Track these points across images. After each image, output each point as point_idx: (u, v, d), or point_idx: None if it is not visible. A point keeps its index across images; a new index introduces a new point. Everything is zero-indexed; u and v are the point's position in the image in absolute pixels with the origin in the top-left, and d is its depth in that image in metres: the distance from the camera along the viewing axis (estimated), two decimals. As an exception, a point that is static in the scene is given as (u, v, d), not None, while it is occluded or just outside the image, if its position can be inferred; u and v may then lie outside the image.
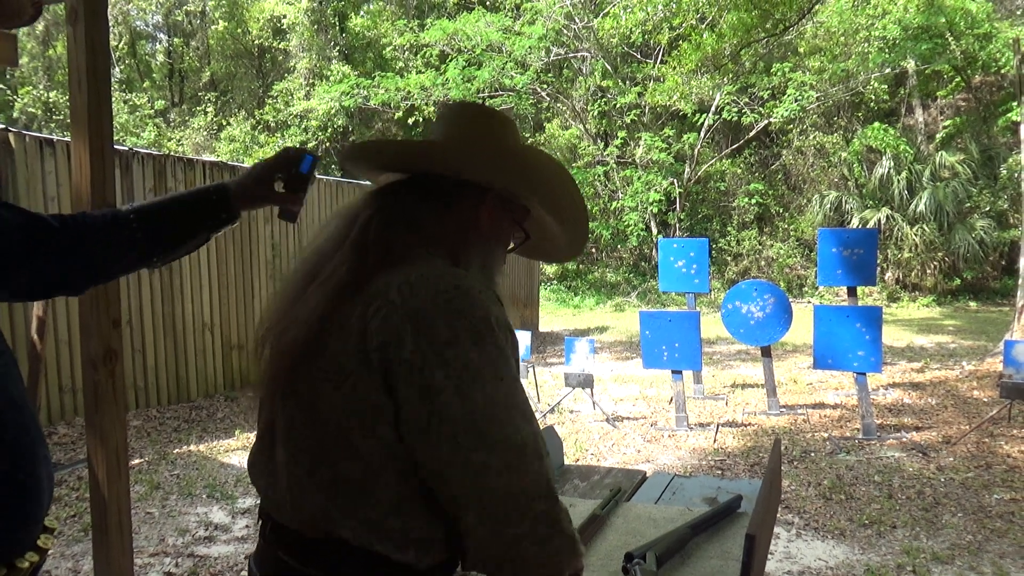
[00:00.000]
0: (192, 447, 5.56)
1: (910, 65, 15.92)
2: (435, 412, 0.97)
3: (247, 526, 4.04)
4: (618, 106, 17.58)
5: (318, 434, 1.05)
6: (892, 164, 15.85)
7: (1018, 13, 15.77)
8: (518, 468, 0.97)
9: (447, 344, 0.99)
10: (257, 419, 1.20)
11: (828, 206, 16.33)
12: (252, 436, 5.82)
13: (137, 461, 5.17)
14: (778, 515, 4.04)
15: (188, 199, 1.41)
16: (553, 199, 1.24)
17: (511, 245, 1.29)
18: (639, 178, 17.11)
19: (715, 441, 5.65)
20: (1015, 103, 13.41)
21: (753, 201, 17.59)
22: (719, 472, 4.94)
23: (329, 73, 17.65)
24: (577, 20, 17.01)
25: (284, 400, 1.10)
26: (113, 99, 2.89)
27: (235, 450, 5.52)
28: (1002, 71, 14.83)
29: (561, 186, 1.24)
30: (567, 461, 2.64)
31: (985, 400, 6.67)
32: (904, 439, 5.54)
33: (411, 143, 1.20)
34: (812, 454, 5.25)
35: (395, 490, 1.03)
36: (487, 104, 1.24)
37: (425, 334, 0.99)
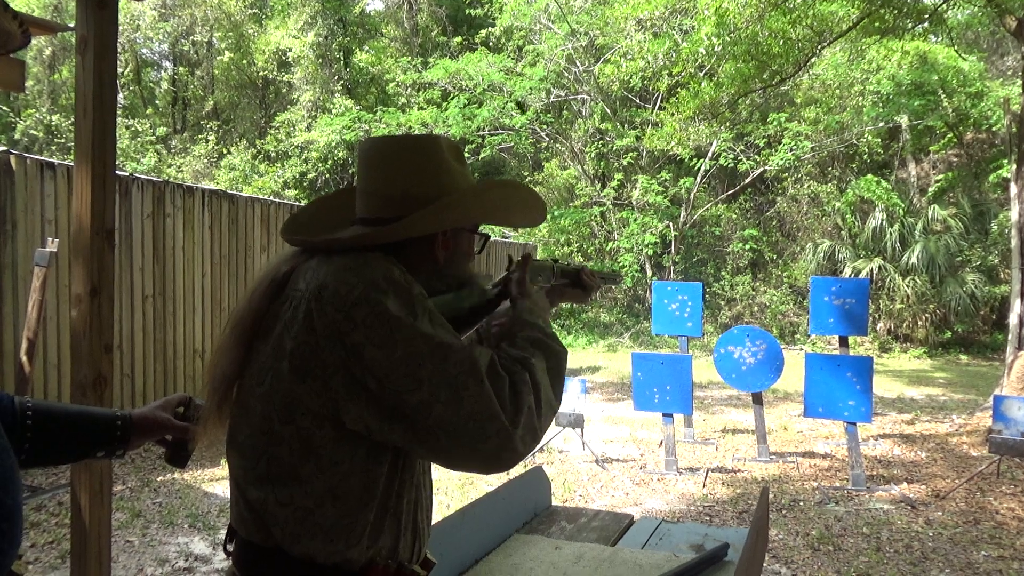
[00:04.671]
0: (176, 475, 5.49)
1: (903, 120, 16.21)
2: (365, 369, 1.04)
3: (228, 558, 3.97)
4: (616, 149, 17.79)
5: (253, 432, 1.12)
6: (885, 216, 16.03)
7: (1009, 73, 16.14)
8: (457, 397, 1.04)
9: (354, 304, 1.05)
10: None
11: (821, 254, 16.46)
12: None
13: (119, 488, 5.10)
14: (765, 565, 4.00)
15: (88, 421, 1.28)
16: (501, 211, 1.31)
17: (477, 250, 1.33)
18: (635, 220, 17.25)
19: (704, 486, 5.62)
20: (1005, 160, 13.65)
21: (747, 247, 17.73)
22: (707, 518, 4.90)
23: (332, 106, 17.85)
24: (578, 64, 17.31)
25: (232, 410, 1.19)
26: (117, 125, 2.92)
27: (219, 479, 5.45)
28: (993, 129, 15.14)
29: (504, 197, 1.30)
30: (555, 502, 2.62)
31: (974, 455, 6.66)
32: (893, 491, 5.52)
33: (354, 238, 1.18)
34: (801, 503, 5.22)
35: (324, 478, 1.08)
36: (409, 134, 1.25)
37: (331, 302, 1.06)
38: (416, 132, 16.11)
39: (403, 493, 1.14)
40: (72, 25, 2.43)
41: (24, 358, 4.78)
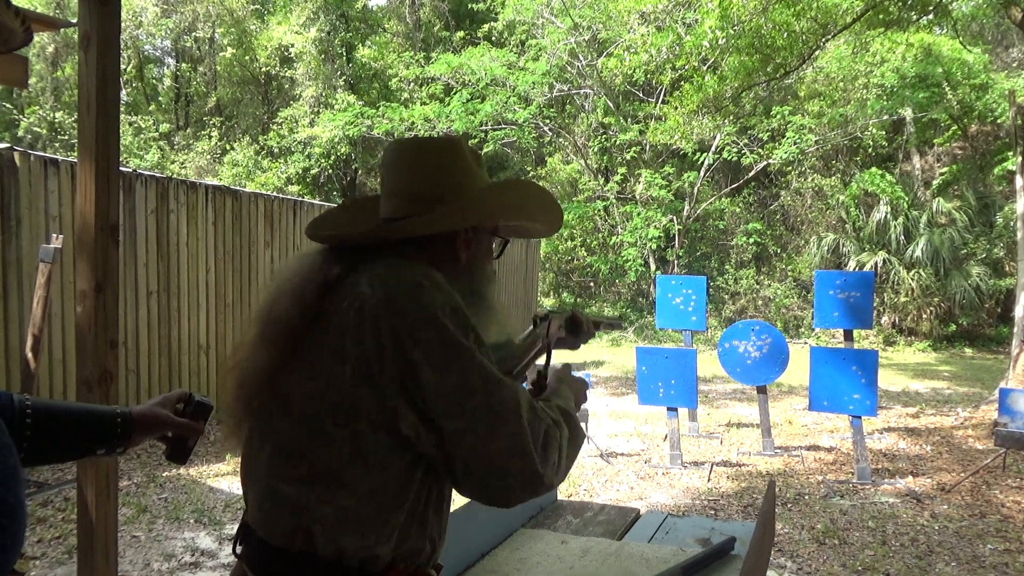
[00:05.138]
0: (182, 471, 5.51)
1: (908, 113, 16.15)
2: (417, 387, 1.07)
3: (236, 557, 3.98)
4: (619, 143, 17.75)
5: (295, 430, 1.12)
6: (889, 209, 15.98)
7: (1014, 65, 16.06)
8: (492, 432, 1.07)
9: (423, 325, 1.08)
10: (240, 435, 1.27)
11: (825, 248, 16.42)
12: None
13: (125, 483, 5.12)
14: (771, 558, 4.00)
15: (89, 418, 1.27)
16: (518, 210, 1.33)
17: (496, 253, 1.38)
18: (639, 214, 17.22)
19: (709, 480, 5.62)
20: (1011, 153, 13.59)
21: (751, 240, 17.69)
22: (712, 512, 4.90)
23: (334, 102, 17.83)
24: (581, 58, 17.26)
25: (264, 406, 1.19)
26: (120, 121, 2.92)
27: (225, 475, 5.46)
28: (998, 121, 15.06)
29: (521, 197, 1.33)
30: (560, 496, 2.61)
31: (980, 448, 6.65)
32: (899, 485, 5.51)
33: (377, 231, 1.24)
34: (806, 497, 5.22)
35: (369, 479, 1.09)
36: (431, 136, 1.28)
37: (399, 315, 1.08)
38: (420, 127, 16.11)
39: (430, 502, 1.16)
40: (75, 21, 2.42)
41: (29, 354, 4.79)
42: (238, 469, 5.00)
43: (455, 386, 1.07)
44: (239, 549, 1.23)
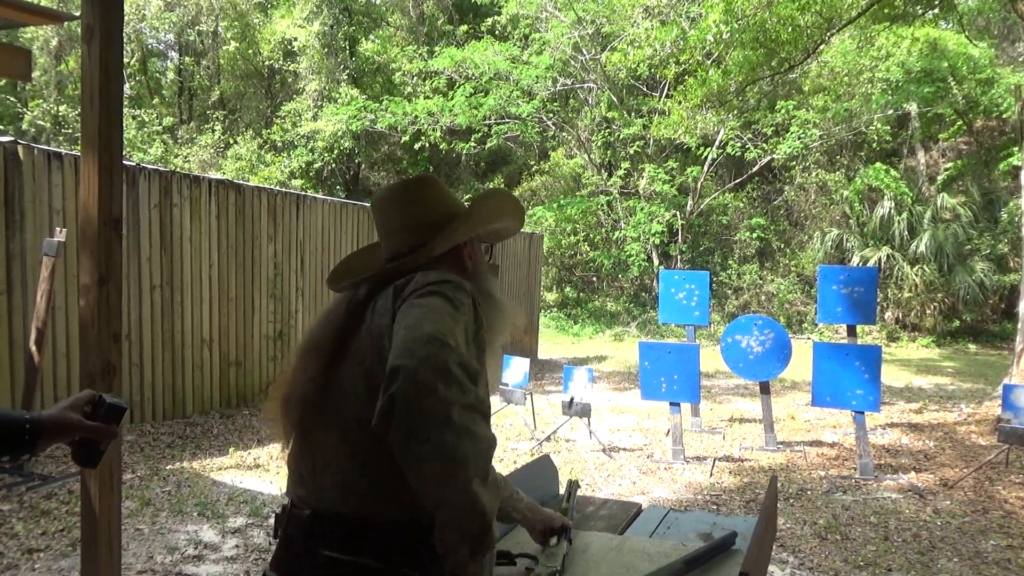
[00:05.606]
0: (185, 464, 5.53)
1: (912, 107, 16.08)
2: (409, 321, 1.18)
3: (237, 545, 4.00)
4: (622, 137, 17.72)
5: (354, 409, 1.27)
6: (893, 204, 15.94)
7: (1020, 60, 15.97)
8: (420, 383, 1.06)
9: (427, 293, 1.24)
10: (286, 425, 1.42)
11: (829, 243, 16.39)
12: (245, 454, 5.80)
13: (129, 476, 5.14)
14: (773, 554, 4.01)
15: None
16: (500, 212, 1.55)
17: (488, 259, 1.60)
18: (642, 209, 17.19)
19: (711, 475, 5.62)
20: (1016, 148, 13.54)
21: (755, 236, 17.66)
22: (714, 507, 4.91)
23: (337, 96, 17.81)
24: (584, 52, 17.21)
25: (324, 396, 1.34)
26: (123, 115, 2.92)
27: (228, 468, 5.48)
28: (1003, 116, 14.99)
29: (498, 201, 1.55)
30: (562, 491, 2.62)
31: (983, 444, 6.64)
32: (901, 480, 5.51)
33: (403, 264, 1.41)
34: (808, 492, 5.22)
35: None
36: (408, 178, 1.38)
37: (409, 295, 1.25)
38: (423, 122, 16.08)
39: None
40: (78, 15, 2.42)
41: (33, 348, 4.81)
42: (241, 463, 4.98)
43: (412, 324, 1.15)
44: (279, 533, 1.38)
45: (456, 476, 1.04)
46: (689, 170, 17.46)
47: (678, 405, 6.04)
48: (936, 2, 8.81)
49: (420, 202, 1.48)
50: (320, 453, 1.33)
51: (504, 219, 1.57)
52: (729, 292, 17.62)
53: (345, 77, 18.82)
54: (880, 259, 15.62)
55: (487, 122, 16.61)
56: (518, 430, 6.96)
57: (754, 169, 17.75)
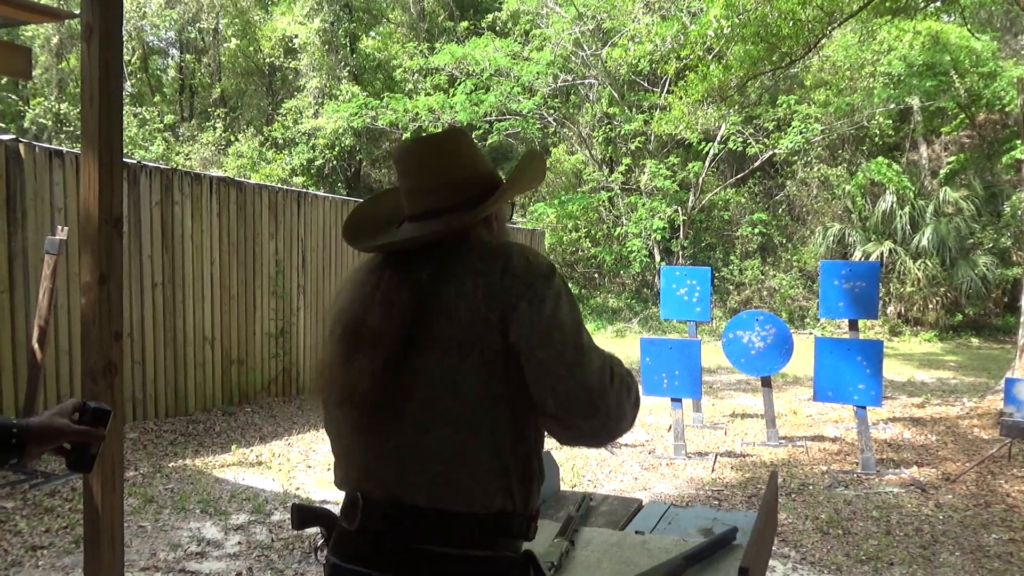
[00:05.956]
0: (188, 461, 5.54)
1: (915, 101, 16.03)
2: (551, 319, 1.23)
3: (239, 542, 4.01)
4: (624, 133, 17.69)
5: (463, 403, 1.24)
6: (895, 198, 15.90)
7: (1022, 53, 15.92)
8: (586, 365, 1.23)
9: (543, 280, 1.25)
10: (330, 424, 1.39)
11: (831, 238, 16.36)
12: (248, 451, 5.81)
13: (132, 474, 5.15)
14: (774, 548, 4.01)
15: None
16: (538, 181, 1.55)
17: (509, 216, 1.57)
18: (643, 205, 17.17)
19: (713, 471, 5.62)
20: (1019, 141, 13.50)
21: (756, 231, 17.63)
22: (716, 503, 4.91)
23: (338, 93, 17.80)
24: (585, 48, 17.18)
25: (396, 392, 1.27)
26: (123, 113, 2.93)
27: (230, 465, 5.49)
28: (1006, 109, 14.94)
29: (539, 170, 1.52)
30: (563, 487, 2.62)
31: (985, 438, 6.64)
32: (903, 475, 5.51)
33: (452, 226, 1.35)
34: (810, 487, 5.22)
35: (500, 434, 1.26)
36: (440, 131, 1.36)
37: (523, 279, 1.25)
38: (424, 118, 16.06)
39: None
40: (77, 13, 2.42)
41: (36, 346, 4.82)
42: (243, 460, 4.98)
43: (569, 324, 1.25)
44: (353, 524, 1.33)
45: (624, 414, 1.33)
46: (690, 166, 17.43)
47: (680, 401, 6.04)
48: (938, -5, 8.78)
49: (459, 157, 1.39)
50: (408, 449, 1.27)
51: (536, 183, 1.57)
52: (731, 287, 17.61)
53: (346, 74, 18.81)
54: (882, 253, 15.59)
55: (488, 119, 16.59)
56: (520, 426, 6.97)
57: (756, 164, 17.71)
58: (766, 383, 6.44)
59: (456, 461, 1.25)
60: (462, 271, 1.27)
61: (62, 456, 1.31)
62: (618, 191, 17.80)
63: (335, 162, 18.86)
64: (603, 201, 17.96)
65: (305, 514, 1.40)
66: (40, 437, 1.26)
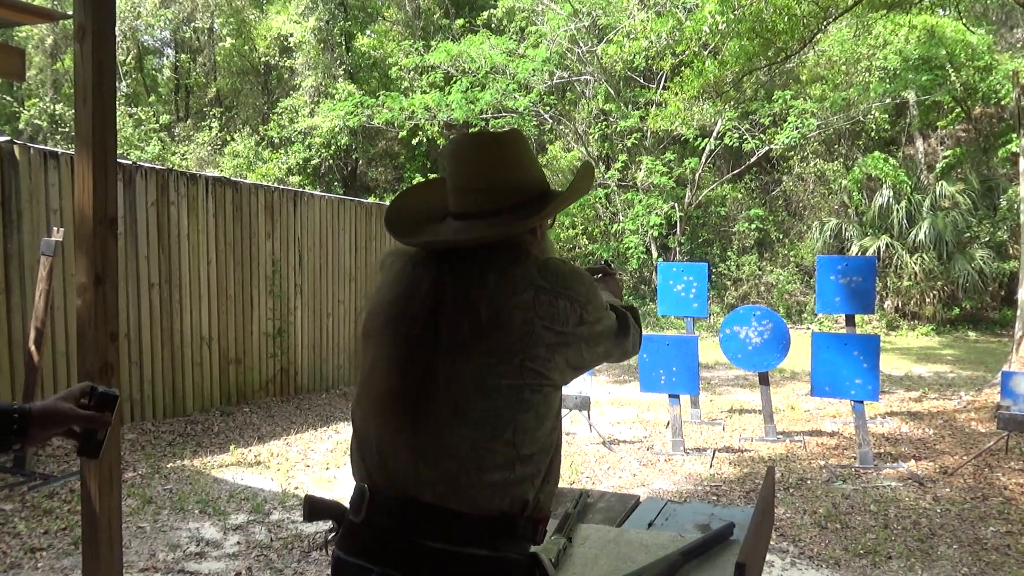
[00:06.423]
0: (186, 462, 5.54)
1: (911, 95, 16.04)
2: (594, 329, 1.36)
3: (238, 542, 4.01)
4: (619, 130, 17.69)
5: (491, 405, 1.25)
6: (892, 193, 15.92)
7: (1018, 46, 15.94)
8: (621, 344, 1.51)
9: (587, 300, 1.33)
10: (360, 416, 1.37)
11: (828, 233, 16.38)
12: (246, 451, 5.81)
13: (130, 475, 5.15)
14: (772, 543, 4.02)
15: None
16: (577, 194, 1.50)
17: (551, 223, 1.54)
18: (640, 201, 17.17)
19: (711, 467, 5.63)
20: (1015, 135, 13.51)
21: (753, 226, 17.64)
22: (714, 498, 4.92)
23: (334, 91, 17.77)
24: (581, 44, 17.16)
25: (429, 388, 1.27)
26: (118, 113, 2.91)
27: (229, 465, 5.49)
28: (1002, 103, 14.97)
29: (591, 182, 1.52)
30: (561, 484, 2.62)
31: (982, 431, 6.66)
32: (901, 469, 5.52)
33: (499, 231, 1.35)
34: (808, 482, 5.23)
35: (525, 433, 1.28)
36: (501, 131, 1.36)
37: (570, 297, 1.30)
38: (420, 117, 16.03)
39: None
40: (71, 13, 2.42)
41: (32, 347, 4.81)
42: (242, 460, 4.99)
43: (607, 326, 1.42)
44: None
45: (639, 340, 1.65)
46: (687, 162, 17.43)
47: (677, 397, 6.05)
48: (933, -11, 8.78)
49: (515, 160, 1.37)
50: (426, 445, 1.27)
51: (585, 193, 1.56)
52: (728, 283, 17.62)
53: (341, 73, 18.78)
54: (879, 248, 15.62)
55: (484, 116, 16.57)
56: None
57: (752, 160, 17.72)
58: (764, 378, 6.45)
59: (470, 460, 1.25)
60: (504, 276, 1.27)
61: (74, 440, 1.30)
62: (615, 188, 17.80)
63: (331, 161, 18.84)
64: (600, 198, 17.96)
65: (316, 506, 1.39)
66: (44, 421, 1.25)
